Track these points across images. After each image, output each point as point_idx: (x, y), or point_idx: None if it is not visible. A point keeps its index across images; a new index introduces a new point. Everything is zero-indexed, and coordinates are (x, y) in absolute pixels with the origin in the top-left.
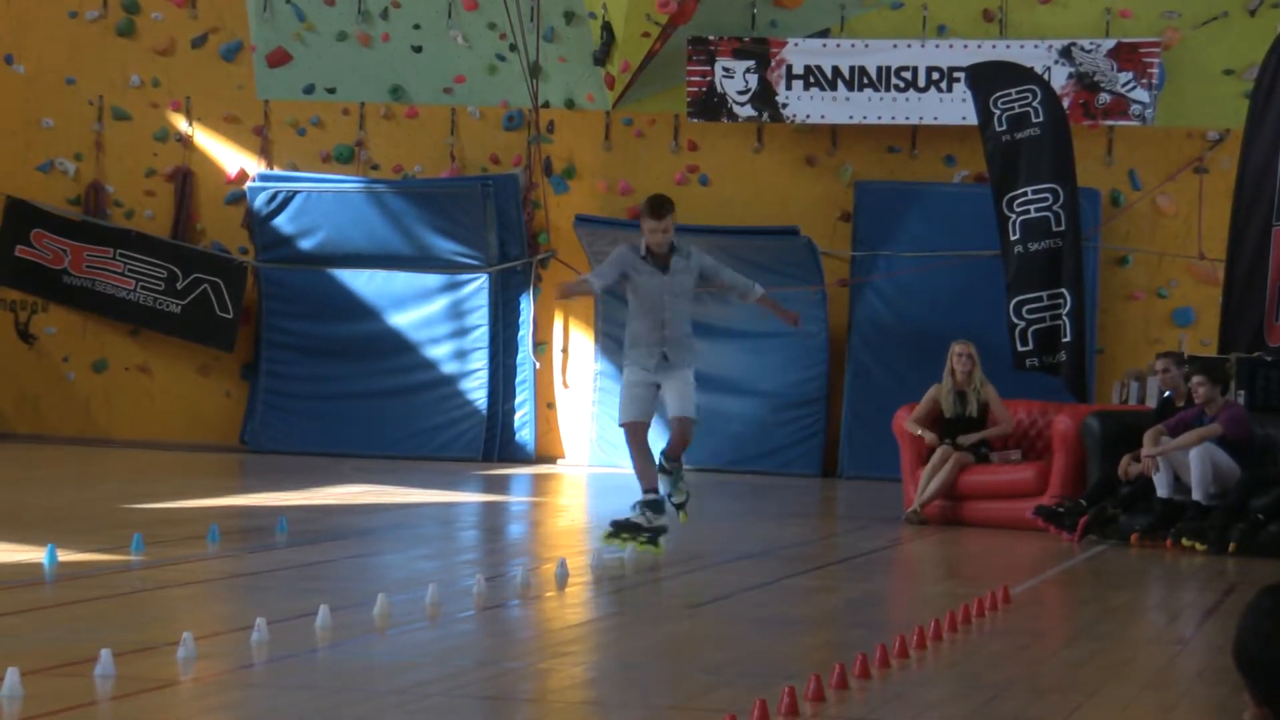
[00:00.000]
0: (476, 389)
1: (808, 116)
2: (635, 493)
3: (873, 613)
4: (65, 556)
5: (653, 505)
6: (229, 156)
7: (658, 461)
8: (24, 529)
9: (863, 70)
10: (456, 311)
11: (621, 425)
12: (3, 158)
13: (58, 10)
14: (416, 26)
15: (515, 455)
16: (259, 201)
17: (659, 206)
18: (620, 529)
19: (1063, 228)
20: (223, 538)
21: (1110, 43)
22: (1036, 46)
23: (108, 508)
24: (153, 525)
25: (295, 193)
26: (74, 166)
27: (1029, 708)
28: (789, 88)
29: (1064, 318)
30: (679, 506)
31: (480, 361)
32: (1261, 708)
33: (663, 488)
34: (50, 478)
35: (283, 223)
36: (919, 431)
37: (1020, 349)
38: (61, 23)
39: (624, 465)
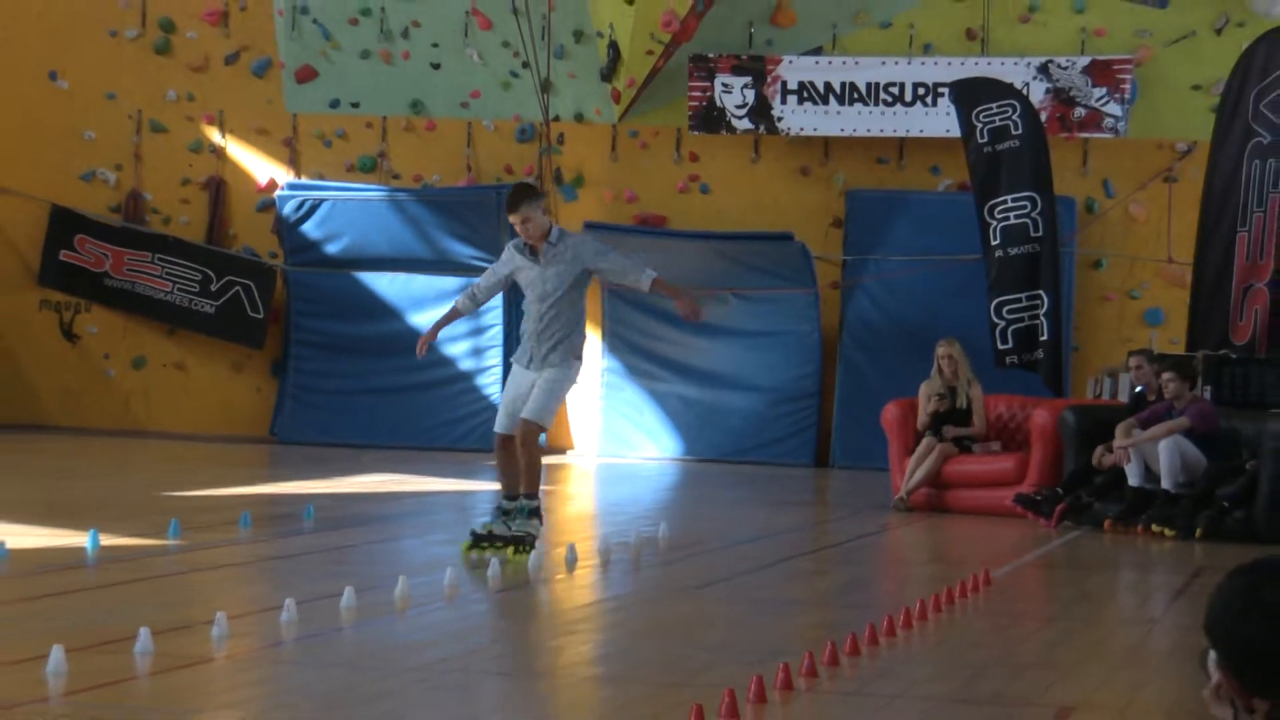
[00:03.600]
0: (491, 384)
1: (802, 129)
2: (639, 480)
3: (862, 594)
4: (107, 541)
5: (536, 512)
6: (259, 166)
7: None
8: (68, 515)
9: (853, 86)
10: (472, 313)
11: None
12: (47, 168)
13: (98, 29)
14: (435, 45)
15: None
16: (287, 209)
17: (511, 199)
18: (516, 542)
19: (1041, 233)
20: (254, 524)
21: (1085, 60)
22: (1016, 64)
23: (146, 496)
24: (188, 512)
25: (321, 200)
26: (114, 176)
27: (1009, 684)
28: (784, 102)
29: (1042, 318)
30: (518, 541)
31: (494, 358)
32: (1225, 674)
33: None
34: (92, 468)
35: (310, 229)
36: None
37: (1001, 347)
38: (102, 41)
39: (630, 456)
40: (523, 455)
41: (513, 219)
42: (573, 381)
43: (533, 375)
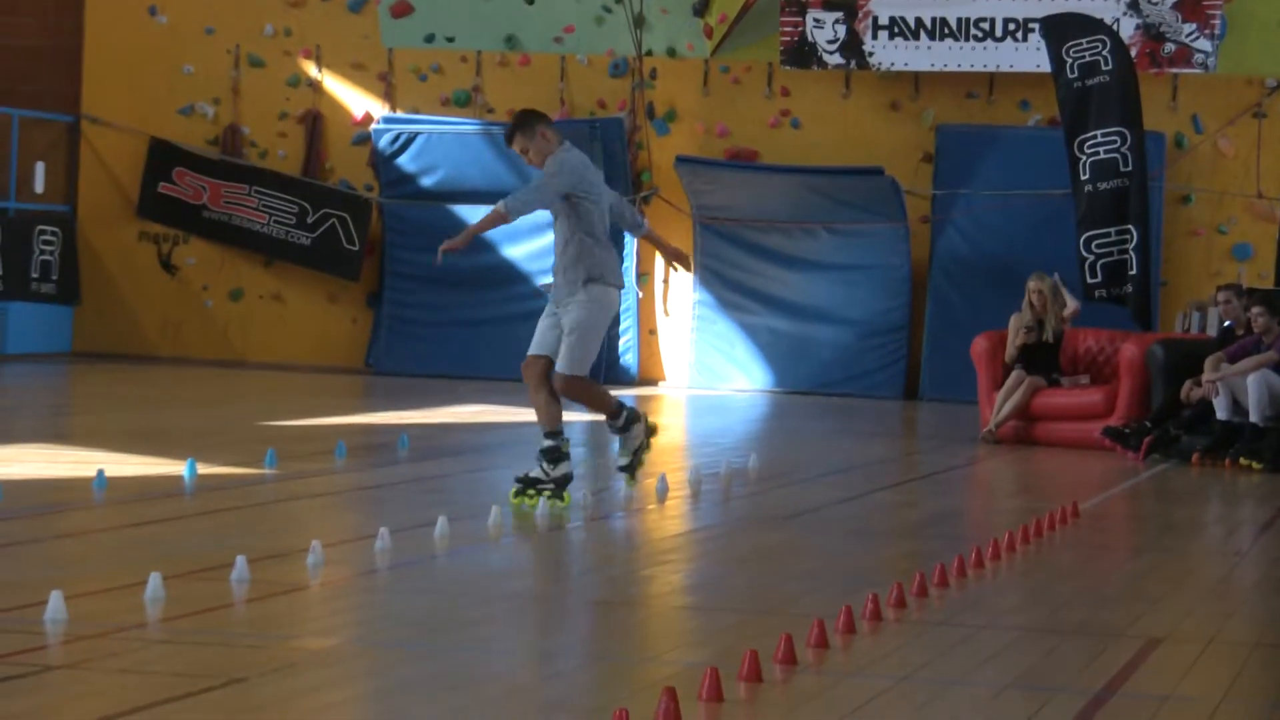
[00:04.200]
0: None
1: (892, 64)
2: (730, 412)
3: (950, 526)
4: (204, 470)
5: (548, 453)
6: (356, 100)
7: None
8: (167, 445)
9: (944, 21)
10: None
11: None
12: (147, 102)
13: None
14: None
15: (620, 378)
16: (383, 142)
17: (507, 132)
18: (525, 485)
19: (1130, 168)
20: (349, 453)
21: None
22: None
23: (243, 425)
24: (285, 442)
25: (416, 134)
26: (212, 110)
27: (1096, 615)
28: (875, 37)
29: (1130, 252)
30: (627, 469)
31: None
32: None
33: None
34: (190, 397)
35: (405, 162)
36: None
37: (1090, 281)
38: None
39: (721, 388)
40: (580, 401)
41: (515, 148)
42: (605, 311)
43: (556, 310)
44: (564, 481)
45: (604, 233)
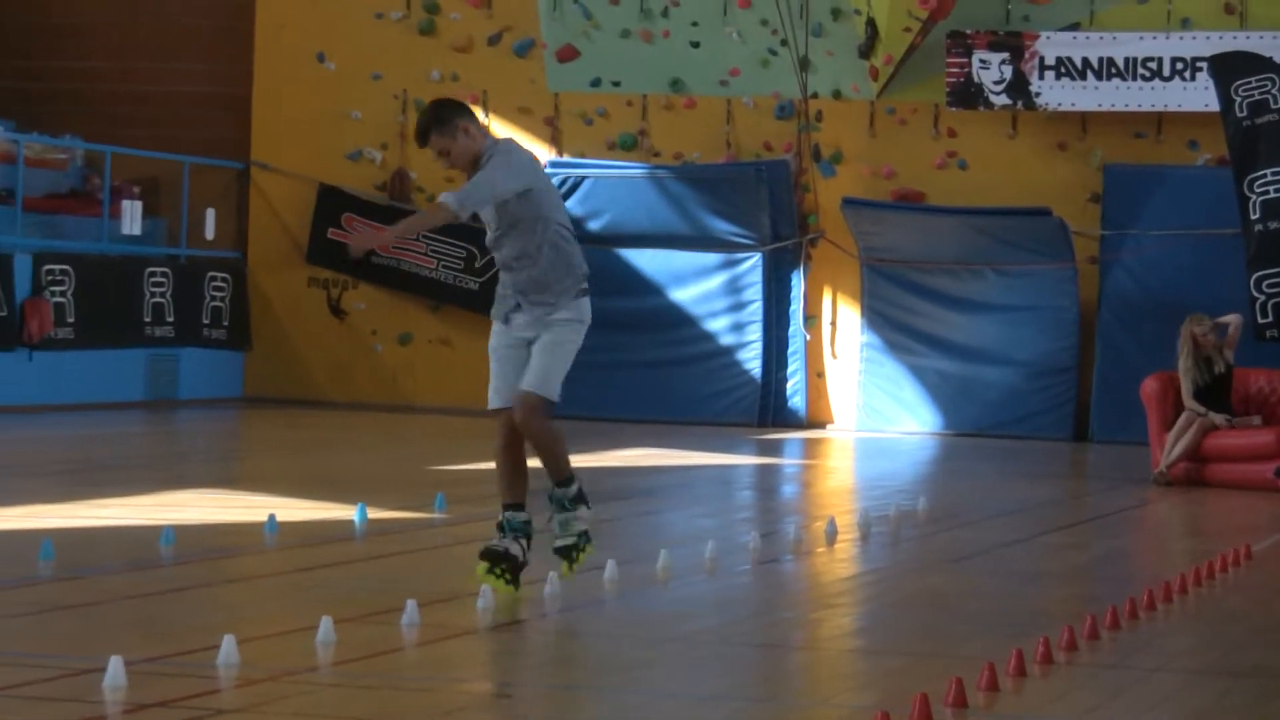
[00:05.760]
0: (751, 359)
1: (1059, 104)
2: (898, 454)
3: (1120, 568)
4: (374, 514)
5: (576, 499)
6: (522, 144)
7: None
8: (337, 489)
9: (1111, 61)
10: (733, 287)
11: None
12: (316, 148)
13: (364, 12)
14: (694, 23)
15: (787, 420)
16: None
17: (418, 129)
18: (568, 551)
19: None
20: None
21: None
22: (1276, 37)
23: (413, 469)
24: (453, 485)
25: (583, 178)
26: (380, 155)
27: (1270, 657)
28: (1041, 77)
29: None
30: (565, 552)
31: (755, 333)
32: None
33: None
34: (360, 442)
35: (572, 206)
36: (1204, 413)
37: (1260, 321)
38: (368, 23)
39: (889, 430)
40: (534, 440)
41: (431, 151)
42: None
43: (514, 334)
44: (575, 546)
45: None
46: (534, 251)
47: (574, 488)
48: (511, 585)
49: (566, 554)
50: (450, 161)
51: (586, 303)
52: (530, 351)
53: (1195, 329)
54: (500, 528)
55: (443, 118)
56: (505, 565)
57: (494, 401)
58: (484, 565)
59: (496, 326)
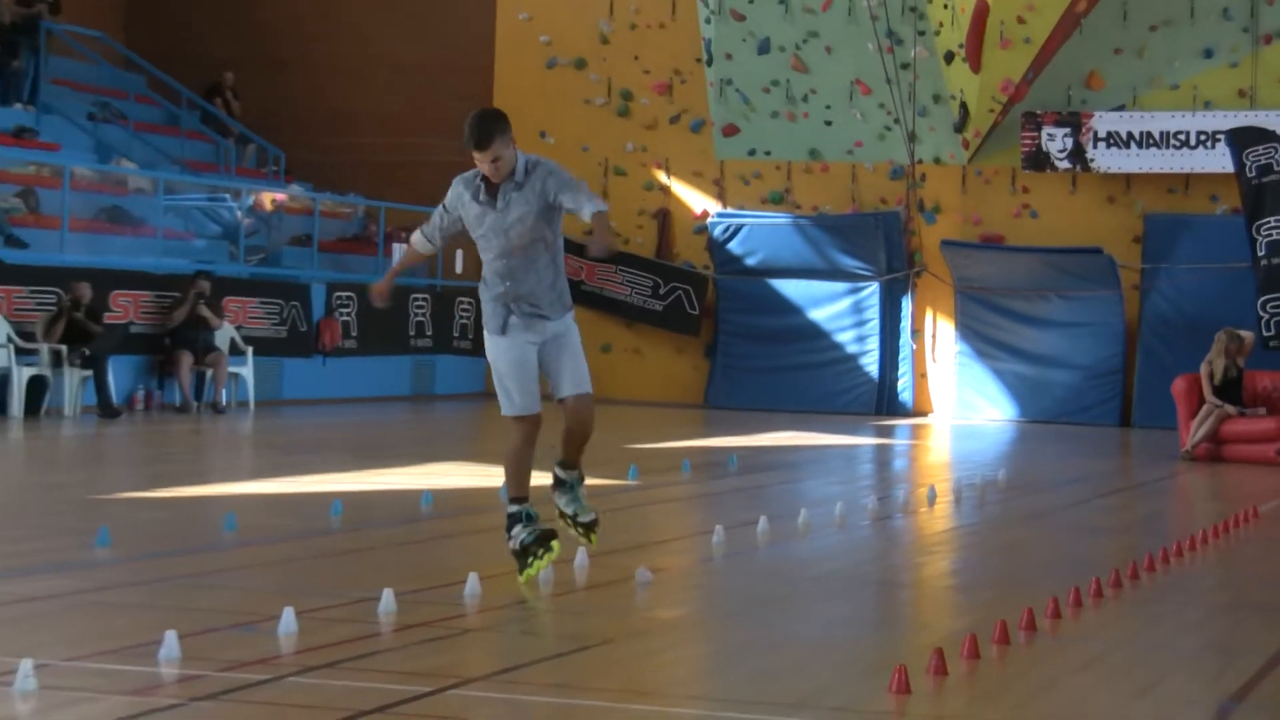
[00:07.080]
0: (870, 364)
1: (1109, 167)
2: (984, 437)
3: (1156, 524)
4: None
5: (577, 481)
6: (695, 200)
7: (556, 469)
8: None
9: (1149, 134)
10: (856, 308)
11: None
12: None
13: (577, 98)
14: (828, 106)
15: (898, 411)
16: (717, 232)
17: (481, 132)
18: (588, 529)
19: None
20: (692, 469)
21: None
22: (1279, 114)
23: (612, 447)
24: (643, 459)
25: (742, 225)
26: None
27: (1275, 594)
28: (1095, 146)
29: None
30: (584, 528)
31: (873, 344)
32: None
33: (563, 502)
34: None
35: (734, 246)
36: (1222, 405)
37: (1265, 334)
38: (579, 107)
39: (977, 418)
40: (584, 437)
41: (480, 159)
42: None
43: (517, 338)
44: (538, 544)
45: None
46: (544, 263)
47: (578, 471)
48: (587, 537)
49: (592, 527)
50: (497, 168)
51: (572, 313)
52: (536, 352)
53: (1230, 343)
54: (521, 518)
55: (504, 127)
56: (586, 526)
57: (521, 409)
58: (581, 533)
59: (497, 340)
